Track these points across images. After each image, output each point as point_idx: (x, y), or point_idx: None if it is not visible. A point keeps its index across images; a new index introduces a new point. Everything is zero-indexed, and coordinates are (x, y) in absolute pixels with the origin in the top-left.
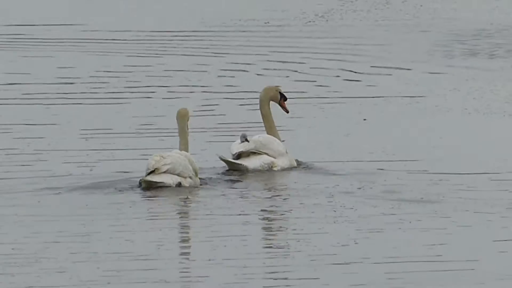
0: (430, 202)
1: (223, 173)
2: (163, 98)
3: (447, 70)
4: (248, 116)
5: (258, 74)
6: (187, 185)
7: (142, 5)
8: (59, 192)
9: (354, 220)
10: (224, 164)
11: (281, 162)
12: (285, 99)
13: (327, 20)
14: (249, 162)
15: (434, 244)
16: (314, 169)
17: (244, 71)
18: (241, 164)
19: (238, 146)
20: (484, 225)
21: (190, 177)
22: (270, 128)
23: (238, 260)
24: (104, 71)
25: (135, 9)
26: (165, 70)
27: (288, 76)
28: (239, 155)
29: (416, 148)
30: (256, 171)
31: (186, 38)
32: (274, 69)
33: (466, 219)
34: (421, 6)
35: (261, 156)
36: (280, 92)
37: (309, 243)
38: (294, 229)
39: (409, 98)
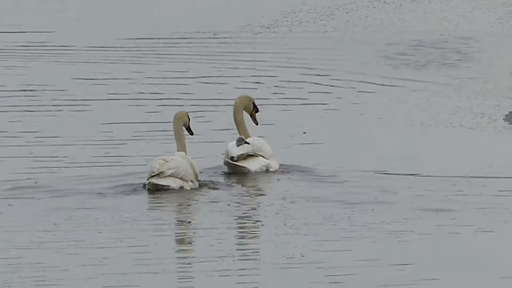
0: (381, 211)
1: (215, 176)
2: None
3: (394, 82)
4: (204, 126)
5: (205, 83)
6: (189, 188)
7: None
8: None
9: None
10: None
11: (274, 164)
12: (257, 110)
13: (274, 32)
14: (250, 165)
15: (394, 251)
16: (295, 173)
17: (190, 81)
18: (244, 167)
19: (238, 149)
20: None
21: (192, 181)
22: (245, 134)
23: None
24: (69, 79)
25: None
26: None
27: (235, 87)
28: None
29: (355, 159)
30: (256, 173)
31: (131, 48)
32: (222, 79)
33: (418, 225)
34: (366, 17)
35: (258, 158)
36: (253, 103)
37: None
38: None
39: (352, 110)
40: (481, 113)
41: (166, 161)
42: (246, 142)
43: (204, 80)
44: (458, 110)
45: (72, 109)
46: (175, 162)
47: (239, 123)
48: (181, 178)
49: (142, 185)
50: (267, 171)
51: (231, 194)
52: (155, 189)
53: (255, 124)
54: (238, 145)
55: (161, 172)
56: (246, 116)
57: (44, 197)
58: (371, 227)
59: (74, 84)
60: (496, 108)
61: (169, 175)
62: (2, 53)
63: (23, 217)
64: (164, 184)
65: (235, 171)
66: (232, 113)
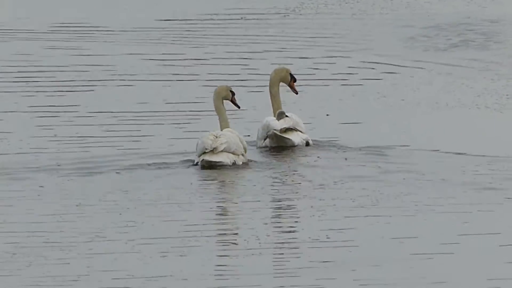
0: (408, 194)
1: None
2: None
3: (420, 64)
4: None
5: (233, 65)
6: (241, 162)
7: None
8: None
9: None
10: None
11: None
12: (295, 80)
13: (301, 14)
14: (294, 138)
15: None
16: (324, 152)
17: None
18: (289, 139)
19: (280, 122)
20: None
21: (242, 155)
22: (278, 109)
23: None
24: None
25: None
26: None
27: (263, 69)
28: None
29: (378, 141)
30: (298, 146)
31: (159, 30)
32: (254, 59)
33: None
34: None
35: (297, 132)
36: (290, 74)
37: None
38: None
39: (376, 92)
40: (507, 95)
41: (217, 137)
42: (287, 116)
43: (232, 61)
44: (483, 92)
45: (110, 88)
46: (226, 137)
47: (274, 96)
48: (232, 153)
49: (193, 163)
50: (307, 144)
51: (263, 170)
52: (208, 166)
53: (295, 94)
54: (279, 119)
55: (214, 148)
56: (281, 91)
57: (86, 176)
58: (401, 206)
59: (110, 65)
60: None
61: (221, 150)
62: (43, 34)
63: (68, 195)
64: (217, 160)
65: (279, 144)
66: (268, 88)
